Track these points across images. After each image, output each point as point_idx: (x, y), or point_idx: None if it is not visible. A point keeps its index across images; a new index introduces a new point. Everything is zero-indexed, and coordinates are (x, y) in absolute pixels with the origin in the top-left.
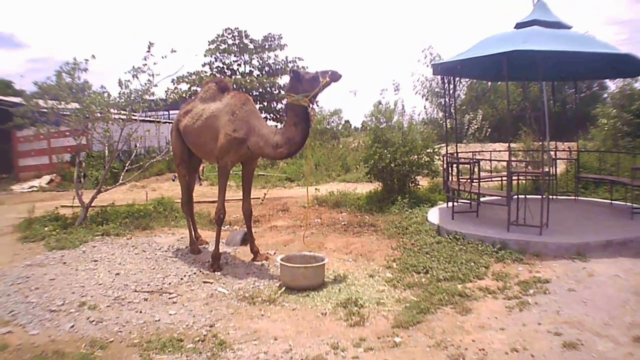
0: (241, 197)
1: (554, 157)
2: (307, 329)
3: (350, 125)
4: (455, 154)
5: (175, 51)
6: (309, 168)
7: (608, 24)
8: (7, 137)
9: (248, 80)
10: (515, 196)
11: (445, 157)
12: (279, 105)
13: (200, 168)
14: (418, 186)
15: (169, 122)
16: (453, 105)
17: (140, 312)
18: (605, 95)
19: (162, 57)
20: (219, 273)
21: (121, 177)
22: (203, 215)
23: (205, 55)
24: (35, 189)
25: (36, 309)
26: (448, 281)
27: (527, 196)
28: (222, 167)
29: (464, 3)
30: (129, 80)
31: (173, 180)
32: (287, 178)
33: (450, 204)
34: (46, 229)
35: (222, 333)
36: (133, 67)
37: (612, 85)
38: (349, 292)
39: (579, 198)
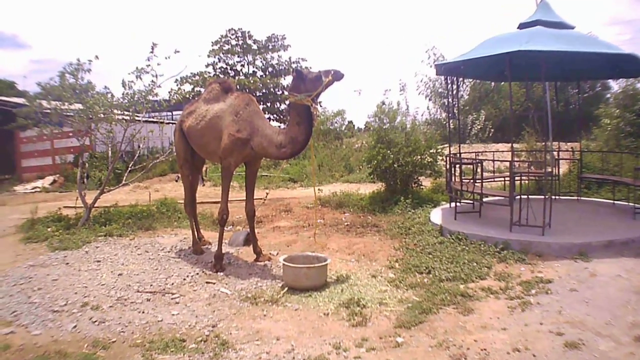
0: (244, 198)
1: (556, 157)
2: (309, 329)
3: (354, 125)
4: (458, 155)
5: (178, 52)
6: (314, 168)
7: (611, 24)
8: (10, 137)
9: (251, 81)
10: (518, 196)
11: (448, 158)
12: (283, 106)
13: (204, 169)
14: (421, 187)
15: (172, 123)
16: (456, 105)
17: (143, 312)
18: (609, 95)
19: (166, 58)
20: (221, 273)
21: (124, 177)
22: (206, 215)
23: (208, 56)
24: (38, 189)
25: (39, 309)
26: (450, 281)
27: (530, 196)
28: (226, 168)
29: (467, 2)
30: (132, 81)
31: (176, 180)
32: (290, 179)
33: (453, 204)
34: (49, 229)
35: (224, 333)
36: (136, 67)
37: (615, 85)
38: (352, 292)
39: (581, 198)
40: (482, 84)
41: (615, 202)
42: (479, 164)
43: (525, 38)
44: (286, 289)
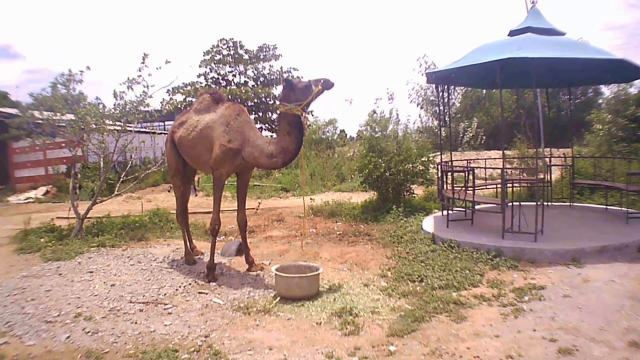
0: (235, 208)
1: (548, 163)
2: (301, 338)
3: (346, 134)
4: (449, 162)
5: (169, 62)
6: (304, 178)
7: (604, 30)
8: (3, 148)
9: (243, 91)
10: (510, 203)
11: (439, 166)
12: (274, 115)
13: (196, 179)
14: (413, 195)
15: (164, 133)
16: (447, 113)
17: (136, 322)
18: (600, 101)
19: (157, 68)
20: (214, 283)
21: (117, 188)
22: (198, 226)
23: (200, 66)
24: (31, 200)
25: (32, 319)
26: (443, 289)
27: (522, 203)
28: (217, 178)
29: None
30: (123, 92)
31: (169, 191)
32: (283, 188)
33: (445, 212)
34: (42, 240)
35: (217, 343)
36: (128, 78)
37: (607, 90)
38: (344, 301)
39: (574, 204)
40: (473, 91)
41: (608, 207)
42: (471, 172)
43: (515, 45)
44: (278, 298)
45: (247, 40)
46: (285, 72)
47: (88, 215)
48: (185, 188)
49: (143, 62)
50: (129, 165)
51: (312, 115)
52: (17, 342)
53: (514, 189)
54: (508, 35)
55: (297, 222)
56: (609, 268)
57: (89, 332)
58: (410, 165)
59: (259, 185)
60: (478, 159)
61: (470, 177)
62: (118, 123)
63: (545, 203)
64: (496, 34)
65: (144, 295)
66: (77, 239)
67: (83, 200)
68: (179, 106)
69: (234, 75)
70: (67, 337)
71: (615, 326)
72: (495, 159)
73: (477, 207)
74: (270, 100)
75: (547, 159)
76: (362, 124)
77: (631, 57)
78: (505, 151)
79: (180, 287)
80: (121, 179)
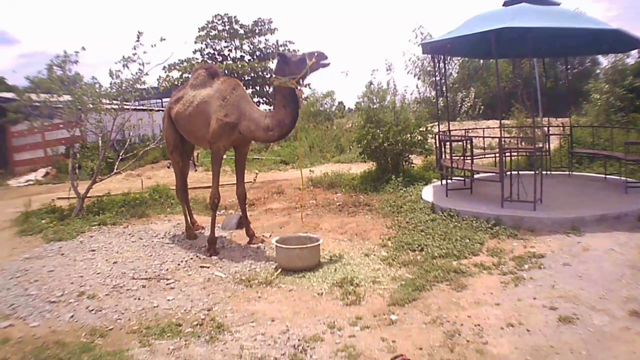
0: (235, 182)
1: (546, 133)
2: (303, 309)
3: (344, 106)
4: (447, 132)
5: (164, 39)
6: (301, 150)
7: (598, 1)
8: (2, 132)
9: (239, 66)
10: (509, 172)
11: (437, 135)
12: (271, 89)
13: (195, 154)
14: (412, 165)
15: (162, 110)
16: (444, 83)
17: (139, 299)
18: (598, 71)
19: (152, 46)
20: (215, 257)
21: (116, 166)
22: (198, 200)
23: (195, 42)
24: (31, 182)
25: (36, 301)
26: (443, 258)
27: (521, 172)
28: (215, 152)
29: None
30: (119, 70)
31: (168, 167)
32: (282, 161)
33: (444, 181)
34: (43, 221)
35: (219, 316)
36: (123, 57)
37: (605, 60)
38: (345, 271)
39: (573, 173)
40: (471, 61)
41: (607, 176)
42: (469, 141)
43: (510, 15)
44: (280, 270)
45: (242, 15)
46: (280, 45)
47: (88, 195)
48: (184, 163)
49: (138, 40)
50: (127, 143)
51: (310, 88)
52: (22, 324)
53: (513, 158)
54: (503, 5)
55: (297, 194)
56: (609, 237)
57: (92, 310)
58: (409, 135)
59: (258, 158)
60: (476, 128)
61: (469, 146)
62: (115, 102)
63: (544, 172)
64: (491, 4)
65: (146, 271)
66: (78, 218)
67: (83, 179)
68: (176, 83)
69: (230, 50)
70: (71, 316)
71: (615, 295)
72: (493, 128)
73: (476, 176)
74: (266, 74)
75: (545, 128)
76: (360, 95)
77: (626, 29)
78: (503, 121)
79: (182, 261)
80: (120, 157)
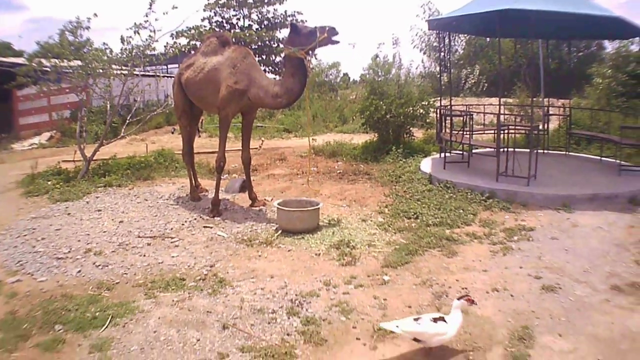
0: (239, 148)
1: (546, 112)
2: (301, 268)
3: (349, 78)
4: (449, 107)
5: (176, 7)
6: (309, 118)
7: None
8: (7, 96)
9: (247, 34)
10: (505, 148)
11: (438, 109)
12: (278, 58)
13: (200, 120)
14: (412, 137)
15: (167, 76)
16: (449, 59)
17: (144, 255)
18: (604, 55)
19: (164, 14)
20: (218, 218)
21: (122, 130)
22: (202, 165)
23: (204, 10)
24: (35, 146)
25: (43, 257)
26: (437, 226)
27: (518, 149)
28: (224, 118)
29: None
30: (130, 37)
31: (172, 132)
32: (285, 129)
33: (442, 154)
34: (49, 183)
35: (221, 272)
36: (135, 23)
37: (610, 45)
38: (342, 234)
39: (570, 153)
40: (477, 39)
41: (603, 158)
42: (469, 116)
43: None
44: (280, 231)
45: None
46: (289, 15)
47: (94, 158)
48: (192, 128)
49: (150, 8)
50: (133, 108)
51: (316, 59)
52: (29, 279)
53: (512, 135)
54: None
55: (299, 162)
56: (598, 215)
57: (99, 265)
58: (411, 108)
59: (261, 126)
60: (479, 104)
61: (469, 121)
62: (124, 67)
63: (542, 151)
64: None
65: (151, 230)
66: (84, 180)
67: (88, 143)
68: (183, 49)
69: (238, 19)
70: (78, 271)
71: (599, 270)
72: (495, 105)
73: (474, 151)
74: (274, 44)
75: (545, 108)
76: (365, 67)
77: (635, 14)
78: (506, 99)
79: (186, 222)
80: (127, 122)
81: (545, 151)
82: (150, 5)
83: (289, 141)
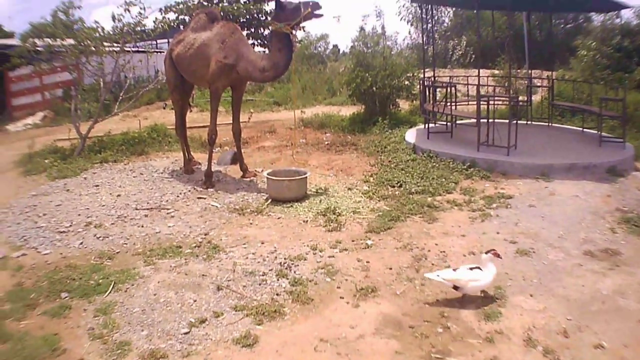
0: (230, 122)
1: (528, 84)
2: (290, 234)
3: (339, 50)
4: (432, 78)
5: None
6: (295, 91)
7: None
8: (0, 78)
9: (235, 8)
10: (485, 119)
11: (422, 81)
12: (266, 32)
13: (191, 95)
14: (399, 109)
15: (157, 52)
16: (434, 31)
17: (142, 226)
18: (590, 28)
19: None
20: (211, 189)
21: (116, 107)
22: (194, 139)
23: None
24: (29, 126)
25: (46, 232)
26: (419, 194)
27: (500, 120)
28: (214, 92)
29: None
30: (121, 14)
31: (164, 108)
32: (275, 102)
33: (426, 125)
34: (47, 161)
35: (215, 239)
36: (125, 1)
37: (596, 19)
38: (329, 202)
39: (552, 125)
40: (464, 11)
41: (584, 130)
42: (453, 87)
43: None
44: (270, 200)
45: None
46: None
47: (89, 135)
48: (183, 102)
49: None
50: (125, 85)
51: (304, 31)
52: (34, 253)
53: (496, 106)
54: None
55: (288, 134)
56: (576, 185)
57: (100, 237)
58: (396, 80)
59: (252, 99)
60: (466, 76)
61: (453, 92)
62: (116, 44)
63: (526, 122)
64: None
65: (147, 203)
66: (80, 157)
67: (81, 121)
68: (172, 24)
69: None
70: (80, 243)
71: (573, 236)
72: (482, 77)
73: (458, 122)
74: (262, 17)
75: (528, 80)
76: (353, 39)
77: None
78: (493, 70)
79: (180, 194)
80: (120, 98)
81: (529, 122)
82: None
83: (278, 114)
